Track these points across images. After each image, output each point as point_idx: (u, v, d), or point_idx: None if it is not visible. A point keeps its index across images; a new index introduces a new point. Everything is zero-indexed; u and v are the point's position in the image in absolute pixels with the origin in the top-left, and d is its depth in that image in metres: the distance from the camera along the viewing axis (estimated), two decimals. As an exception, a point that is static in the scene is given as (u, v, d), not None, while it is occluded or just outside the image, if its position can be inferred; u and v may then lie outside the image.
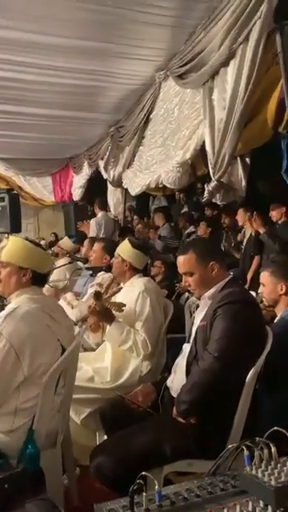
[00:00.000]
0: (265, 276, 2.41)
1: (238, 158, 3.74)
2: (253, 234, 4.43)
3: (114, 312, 2.50)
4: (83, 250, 4.59)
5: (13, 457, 1.72)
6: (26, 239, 1.99)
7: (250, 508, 1.08)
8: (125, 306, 2.47)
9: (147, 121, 4.41)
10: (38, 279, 1.91)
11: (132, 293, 2.59)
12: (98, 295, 2.54)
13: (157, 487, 1.12)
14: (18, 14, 3.04)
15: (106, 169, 5.78)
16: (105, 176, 5.92)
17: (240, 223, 4.83)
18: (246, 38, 2.69)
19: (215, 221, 6.03)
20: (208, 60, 3.11)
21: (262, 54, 2.62)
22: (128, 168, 5.08)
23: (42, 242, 8.77)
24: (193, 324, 2.00)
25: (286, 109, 2.59)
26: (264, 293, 2.40)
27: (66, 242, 5.34)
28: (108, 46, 3.59)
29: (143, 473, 1.12)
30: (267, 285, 2.37)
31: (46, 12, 3.02)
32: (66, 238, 5.85)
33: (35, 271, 1.88)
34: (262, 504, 1.09)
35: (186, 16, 3.20)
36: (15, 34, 3.27)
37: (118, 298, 2.62)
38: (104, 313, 2.51)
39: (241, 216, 4.61)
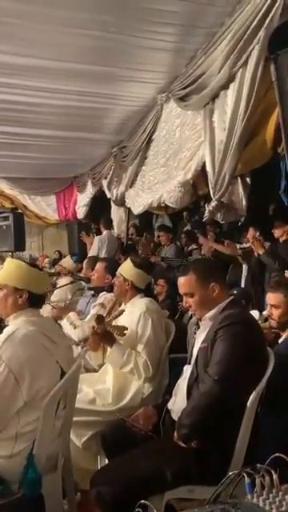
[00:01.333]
0: (278, 298, 2.36)
1: (239, 178, 3.78)
2: (255, 253, 4.41)
3: (115, 336, 2.49)
4: (83, 270, 4.61)
5: (14, 482, 1.70)
6: (22, 260, 2.00)
7: (250, 538, 1.06)
8: (127, 329, 2.46)
9: (149, 141, 4.48)
10: (35, 300, 1.90)
11: (133, 314, 2.58)
12: (100, 319, 2.52)
13: (156, 516, 1.10)
14: (25, 42, 3.15)
15: (109, 188, 5.85)
16: (108, 195, 5.98)
17: (250, 241, 4.81)
18: (245, 63, 2.75)
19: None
20: (208, 83, 3.17)
21: (261, 78, 2.67)
22: (131, 187, 5.14)
23: (46, 260, 8.82)
24: (193, 346, 1.99)
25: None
26: (274, 314, 2.35)
27: (68, 262, 5.36)
28: (111, 69, 3.69)
29: (142, 501, 1.10)
30: (281, 307, 2.33)
31: (51, 38, 3.12)
32: (69, 257, 5.88)
33: (31, 292, 1.87)
34: (263, 534, 1.07)
35: (187, 41, 3.29)
36: (22, 59, 3.39)
37: (119, 320, 2.61)
38: (105, 335, 2.50)
39: (251, 235, 4.61)
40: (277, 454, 1.22)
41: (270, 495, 1.14)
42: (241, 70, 2.79)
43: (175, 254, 6.25)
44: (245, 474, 1.18)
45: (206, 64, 3.18)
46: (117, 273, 2.84)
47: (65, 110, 4.39)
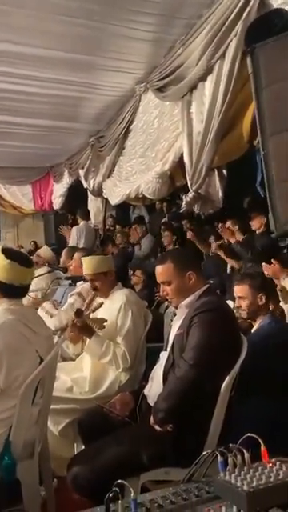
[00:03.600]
0: (244, 289, 2.39)
1: (215, 170, 3.83)
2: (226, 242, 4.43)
3: (95, 328, 2.49)
4: (62, 259, 4.57)
5: (-11, 468, 1.70)
6: (3, 251, 1.93)
7: (223, 513, 1.11)
8: (106, 321, 2.47)
9: (127, 132, 4.48)
10: (8, 291, 1.86)
11: (113, 305, 2.59)
12: (79, 313, 2.52)
13: (132, 495, 1.14)
14: (3, 26, 3.08)
15: (86, 178, 5.81)
16: (85, 185, 5.95)
17: (220, 231, 4.84)
18: (223, 55, 2.79)
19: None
20: (186, 74, 3.20)
21: (238, 70, 2.72)
22: (108, 178, 5.13)
23: (22, 251, 8.68)
24: (169, 333, 2.03)
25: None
26: (243, 306, 2.38)
27: (46, 251, 5.31)
28: (90, 58, 3.66)
29: (119, 481, 1.13)
30: (247, 297, 2.36)
31: (31, 24, 3.06)
32: (45, 246, 5.83)
33: (3, 283, 1.83)
34: (235, 509, 1.12)
35: (166, 31, 3.30)
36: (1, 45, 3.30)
37: (99, 311, 2.61)
38: (84, 328, 2.50)
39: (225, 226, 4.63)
40: (248, 435, 1.27)
41: (242, 473, 1.19)
42: (218, 62, 2.83)
43: (150, 245, 6.30)
44: (218, 453, 1.23)
45: (185, 55, 3.20)
46: (92, 277, 2.69)
47: (42, 98, 4.32)
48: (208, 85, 3.00)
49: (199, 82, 3.10)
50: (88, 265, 2.72)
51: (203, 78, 3.01)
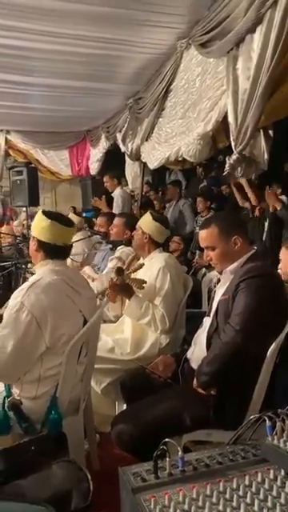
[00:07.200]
0: (285, 252, 2.39)
1: (261, 130, 3.62)
2: (271, 210, 4.34)
3: (134, 288, 2.52)
4: (99, 226, 4.58)
5: (37, 421, 1.79)
6: (43, 212, 1.96)
7: (271, 476, 1.11)
8: (145, 282, 2.49)
9: (167, 92, 4.29)
10: (52, 251, 1.90)
11: (152, 268, 2.60)
12: (119, 271, 2.56)
13: (180, 453, 1.15)
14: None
15: (123, 142, 5.69)
16: (122, 149, 5.83)
17: (266, 196, 4.71)
18: (275, 2, 2.55)
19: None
20: (233, 26, 2.96)
21: (291, 19, 2.49)
22: (146, 141, 4.98)
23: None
24: (212, 299, 2.00)
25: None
26: (283, 268, 2.39)
27: (73, 217, 5.33)
28: (126, 12, 3.45)
29: (166, 439, 1.15)
30: (286, 260, 2.36)
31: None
32: (72, 213, 5.84)
33: (42, 241, 1.88)
34: (283, 473, 1.11)
35: (211, -22, 3.06)
36: (33, 0, 3.18)
37: (138, 273, 2.63)
38: (124, 288, 2.53)
39: (272, 192, 4.50)
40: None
41: (291, 438, 1.18)
42: (269, 10, 2.60)
43: (191, 209, 6.21)
44: (266, 418, 1.22)
45: (232, 5, 2.96)
46: (136, 226, 2.84)
47: (77, 58, 4.17)
48: (256, 37, 2.77)
49: (247, 35, 2.88)
50: (143, 218, 2.83)
51: (252, 30, 2.78)
